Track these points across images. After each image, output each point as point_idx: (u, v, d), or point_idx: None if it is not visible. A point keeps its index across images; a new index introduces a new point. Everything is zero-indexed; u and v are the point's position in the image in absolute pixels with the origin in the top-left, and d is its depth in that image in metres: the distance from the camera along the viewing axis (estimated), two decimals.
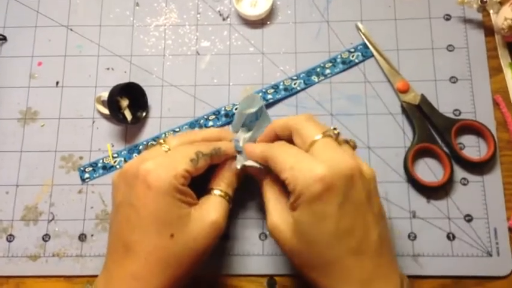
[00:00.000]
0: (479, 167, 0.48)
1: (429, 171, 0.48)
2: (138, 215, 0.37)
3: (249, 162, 0.42)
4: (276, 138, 0.42)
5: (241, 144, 0.44)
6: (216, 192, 0.41)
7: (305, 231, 0.36)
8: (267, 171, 0.41)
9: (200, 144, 0.41)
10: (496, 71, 0.50)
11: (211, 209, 0.39)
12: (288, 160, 0.37)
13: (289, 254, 0.38)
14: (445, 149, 0.48)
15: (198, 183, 0.41)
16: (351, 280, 0.35)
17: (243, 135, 0.45)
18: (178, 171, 0.37)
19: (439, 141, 0.48)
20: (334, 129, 0.38)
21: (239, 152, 0.44)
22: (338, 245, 0.35)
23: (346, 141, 0.40)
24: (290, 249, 0.37)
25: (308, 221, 0.35)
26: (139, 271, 0.36)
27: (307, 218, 0.35)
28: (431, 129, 0.48)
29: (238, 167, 0.43)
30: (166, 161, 0.38)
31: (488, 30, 0.51)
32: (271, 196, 0.41)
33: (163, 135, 0.50)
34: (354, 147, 0.40)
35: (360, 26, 0.52)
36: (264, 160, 0.40)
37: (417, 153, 0.48)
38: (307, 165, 0.35)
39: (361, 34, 0.52)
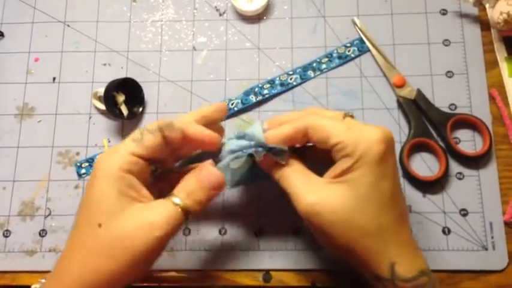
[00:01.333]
0: (475, 161, 0.47)
1: (425, 165, 0.48)
2: (82, 201, 0.36)
3: (275, 145, 0.38)
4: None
5: (229, 148, 0.40)
6: (175, 200, 0.36)
7: (364, 193, 0.35)
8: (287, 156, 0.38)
9: (152, 123, 0.38)
10: (492, 65, 0.50)
11: (155, 212, 0.35)
12: (337, 125, 0.36)
13: (335, 227, 0.35)
14: (441, 143, 0.47)
15: None
16: (400, 241, 0.36)
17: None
18: (121, 155, 0.36)
19: (435, 136, 0.48)
20: (349, 112, 0.39)
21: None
22: (393, 207, 0.36)
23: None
24: (340, 221, 0.35)
25: (370, 181, 0.35)
26: (67, 259, 0.35)
27: (368, 179, 0.35)
28: (427, 123, 0.48)
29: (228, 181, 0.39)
30: (114, 148, 0.37)
31: (484, 25, 0.51)
32: (299, 177, 0.38)
33: None
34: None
35: (356, 21, 0.52)
36: (303, 131, 0.38)
37: (413, 147, 0.48)
38: (364, 128, 0.36)
39: (358, 29, 0.52)
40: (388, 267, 0.35)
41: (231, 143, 0.40)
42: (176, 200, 0.36)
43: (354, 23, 0.52)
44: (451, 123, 0.47)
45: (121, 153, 0.36)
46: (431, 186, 0.47)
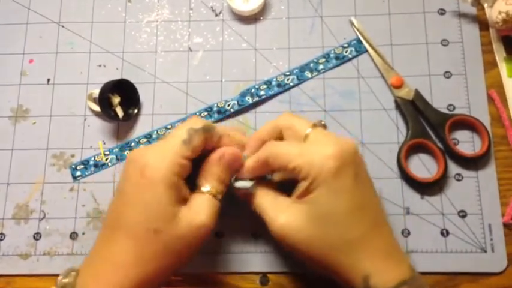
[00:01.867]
0: (474, 163, 0.47)
1: (423, 167, 0.47)
2: (128, 204, 0.36)
3: (239, 184, 0.41)
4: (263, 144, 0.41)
5: None
6: (205, 189, 0.39)
7: (325, 212, 0.36)
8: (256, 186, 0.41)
9: (191, 121, 0.39)
10: (490, 65, 0.49)
11: (201, 211, 0.37)
12: (292, 150, 0.37)
13: (305, 245, 0.36)
14: (439, 144, 0.47)
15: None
16: (373, 253, 0.36)
17: None
18: (173, 158, 0.36)
19: (433, 137, 0.47)
20: (321, 121, 0.40)
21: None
22: (359, 220, 0.36)
23: (324, 126, 0.42)
24: (306, 240, 0.36)
25: (327, 200, 0.35)
26: (119, 260, 0.35)
27: (326, 198, 0.35)
28: (425, 124, 0.47)
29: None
30: (160, 149, 0.37)
31: (483, 25, 0.51)
32: (268, 201, 0.40)
33: (155, 133, 0.49)
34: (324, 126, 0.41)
35: (354, 21, 0.51)
36: (264, 161, 0.39)
37: (411, 149, 0.47)
38: (316, 149, 0.36)
39: (355, 29, 0.51)
40: (361, 281, 0.35)
41: None
42: (210, 189, 0.39)
43: (351, 23, 0.52)
44: (450, 124, 0.47)
45: (173, 157, 0.36)
46: (430, 187, 0.46)
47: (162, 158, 0.36)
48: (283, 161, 0.37)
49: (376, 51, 0.50)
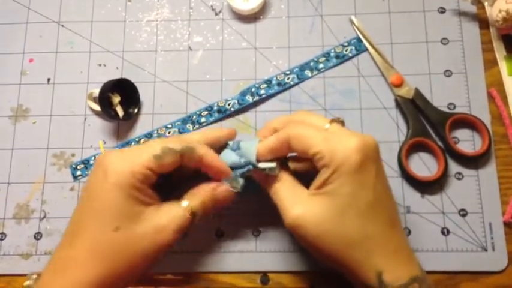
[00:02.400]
0: (474, 161, 0.47)
1: (423, 165, 0.47)
2: (90, 203, 0.36)
3: (263, 164, 0.39)
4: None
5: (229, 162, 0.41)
6: (183, 203, 0.38)
7: (345, 204, 0.35)
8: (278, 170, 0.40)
9: (172, 139, 0.39)
10: (491, 64, 0.49)
11: (165, 216, 0.37)
12: (317, 134, 0.36)
13: (319, 239, 0.36)
14: (440, 143, 0.47)
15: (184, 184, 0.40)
16: (387, 249, 0.35)
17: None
18: (138, 167, 0.36)
19: (434, 136, 0.47)
20: (338, 118, 0.39)
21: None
22: (376, 215, 0.36)
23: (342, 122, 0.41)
24: (322, 233, 0.35)
25: (348, 192, 0.35)
26: (79, 257, 0.35)
27: (347, 189, 0.35)
28: (425, 123, 0.47)
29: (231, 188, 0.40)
30: (129, 155, 0.37)
31: (483, 23, 0.50)
32: (286, 190, 0.39)
33: (155, 132, 0.49)
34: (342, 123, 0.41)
35: (354, 19, 0.51)
36: (285, 142, 0.38)
37: (411, 147, 0.47)
38: (340, 139, 0.36)
39: (355, 28, 0.51)
40: (375, 276, 0.35)
41: (224, 156, 0.41)
42: (186, 206, 0.38)
43: (351, 22, 0.51)
44: (450, 123, 0.46)
45: (137, 164, 0.36)
46: (430, 186, 0.46)
47: (126, 163, 0.36)
48: (306, 144, 0.36)
49: (376, 50, 0.50)
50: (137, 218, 0.36)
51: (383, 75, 0.49)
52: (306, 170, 0.40)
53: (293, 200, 0.38)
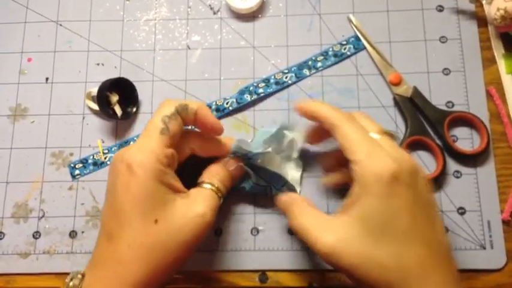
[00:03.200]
0: (473, 159, 0.46)
1: (422, 164, 0.46)
2: (122, 201, 0.35)
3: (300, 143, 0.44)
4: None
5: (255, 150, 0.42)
6: (207, 185, 0.39)
7: (378, 224, 0.33)
8: (297, 198, 0.40)
9: (164, 106, 0.38)
10: (489, 62, 0.49)
11: (200, 201, 0.37)
12: (364, 143, 0.35)
13: (357, 267, 0.33)
14: (438, 141, 0.46)
15: (189, 178, 0.40)
16: (427, 283, 0.33)
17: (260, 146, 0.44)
18: (157, 151, 0.36)
19: (432, 134, 0.47)
20: (391, 131, 0.39)
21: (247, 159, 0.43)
22: (416, 242, 0.33)
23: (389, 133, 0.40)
24: (359, 258, 0.33)
25: (380, 212, 0.33)
26: (123, 256, 0.34)
27: (379, 209, 0.33)
28: (423, 121, 0.47)
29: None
30: (143, 144, 0.36)
31: (481, 21, 0.50)
32: (310, 218, 0.37)
33: None
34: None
35: (352, 18, 0.51)
36: (327, 124, 0.37)
37: (410, 145, 0.46)
38: (382, 156, 0.34)
39: (353, 26, 0.51)
40: None
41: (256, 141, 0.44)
42: (211, 186, 0.39)
43: (350, 21, 0.51)
44: (448, 121, 0.46)
45: (155, 148, 0.36)
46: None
47: (146, 152, 0.35)
48: (349, 145, 0.36)
49: (374, 48, 0.50)
50: (172, 207, 0.36)
51: (381, 74, 0.49)
52: (338, 184, 0.41)
53: (321, 227, 0.35)
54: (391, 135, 0.38)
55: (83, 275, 0.36)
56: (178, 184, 0.38)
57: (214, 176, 0.40)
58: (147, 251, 0.34)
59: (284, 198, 0.41)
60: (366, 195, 0.34)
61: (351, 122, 0.37)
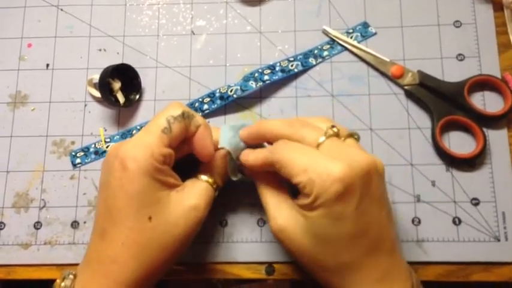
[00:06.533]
0: (499, 122, 0.43)
1: (463, 143, 0.43)
2: (115, 197, 0.33)
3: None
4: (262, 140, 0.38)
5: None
6: (203, 177, 0.37)
7: (321, 233, 0.32)
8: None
9: (172, 107, 0.36)
10: (505, 47, 0.45)
11: (193, 194, 0.35)
12: (300, 162, 0.32)
13: (298, 254, 0.34)
14: (467, 115, 0.43)
15: (186, 170, 0.37)
16: (367, 280, 0.32)
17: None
18: (154, 148, 0.33)
19: (459, 110, 0.43)
20: (332, 126, 0.34)
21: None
22: (355, 246, 0.32)
23: (350, 135, 0.35)
24: (300, 250, 0.34)
25: (325, 223, 0.32)
26: (117, 254, 0.32)
27: (325, 220, 0.32)
28: (444, 101, 0.43)
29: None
30: (141, 139, 0.34)
31: (497, 5, 0.46)
32: (272, 198, 0.36)
33: None
34: (358, 139, 0.36)
35: (328, 29, 0.47)
36: (269, 165, 0.35)
37: (443, 129, 0.43)
38: (323, 166, 0.31)
39: (332, 37, 0.47)
40: None
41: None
42: (207, 178, 0.37)
43: (326, 33, 0.47)
44: (468, 89, 0.43)
45: (152, 145, 0.33)
46: (471, 162, 0.43)
47: (141, 149, 0.33)
48: (288, 172, 0.33)
49: (363, 50, 0.46)
50: (165, 202, 0.34)
51: (381, 72, 0.46)
52: None
53: (278, 207, 0.35)
54: (335, 135, 0.34)
55: (75, 276, 0.34)
56: (174, 180, 0.35)
57: (211, 169, 0.38)
58: (141, 249, 0.33)
59: (251, 162, 0.37)
60: (314, 207, 0.32)
61: (285, 148, 0.34)
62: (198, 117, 0.37)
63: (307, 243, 0.33)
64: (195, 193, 0.36)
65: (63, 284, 0.33)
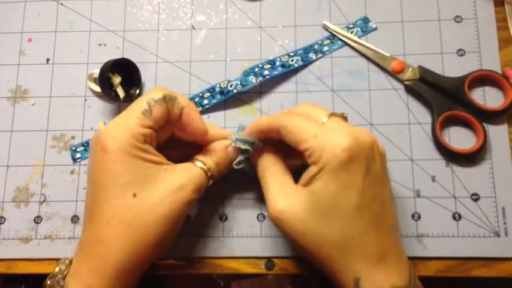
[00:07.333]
0: (499, 117, 0.43)
1: (462, 137, 0.43)
2: (99, 179, 0.33)
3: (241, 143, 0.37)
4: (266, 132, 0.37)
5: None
6: (198, 163, 0.37)
7: (327, 204, 0.32)
8: (267, 154, 0.37)
9: (155, 90, 0.35)
10: (505, 43, 0.45)
11: (183, 174, 0.35)
12: (309, 128, 0.33)
13: (300, 236, 0.33)
14: (468, 109, 0.42)
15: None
16: (368, 255, 0.32)
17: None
18: (133, 128, 0.33)
19: (459, 105, 0.43)
20: (342, 113, 0.36)
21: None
22: (360, 218, 0.32)
23: (342, 115, 0.36)
24: (303, 229, 0.33)
25: (333, 191, 0.32)
26: (103, 234, 0.32)
27: (332, 189, 0.32)
28: (444, 96, 0.43)
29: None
30: (120, 120, 0.34)
31: (498, 0, 0.46)
32: (274, 181, 0.36)
33: None
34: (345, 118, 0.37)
35: (329, 24, 0.46)
36: (275, 130, 0.35)
37: (443, 124, 0.43)
38: (333, 134, 0.32)
39: (332, 32, 0.46)
40: (352, 282, 0.32)
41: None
42: (202, 165, 0.36)
43: (326, 28, 0.46)
44: (468, 84, 0.42)
45: (131, 125, 0.33)
46: (471, 157, 0.42)
47: (120, 129, 0.33)
48: (297, 138, 0.33)
49: (363, 45, 0.45)
50: (152, 180, 0.33)
51: (381, 67, 0.45)
52: (299, 165, 0.37)
53: (279, 192, 0.35)
54: (340, 116, 0.35)
55: (70, 261, 0.34)
56: (159, 158, 0.35)
57: (208, 157, 0.38)
58: (127, 226, 0.32)
59: (258, 156, 0.38)
60: (321, 175, 0.32)
61: (292, 117, 0.34)
62: (181, 99, 0.36)
63: (311, 220, 0.32)
64: (185, 174, 0.35)
65: (57, 268, 0.34)
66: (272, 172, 0.37)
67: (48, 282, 0.34)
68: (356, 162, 0.31)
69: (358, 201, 0.32)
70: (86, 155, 0.45)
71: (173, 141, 0.39)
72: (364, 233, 0.32)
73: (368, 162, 0.32)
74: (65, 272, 0.34)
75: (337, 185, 0.32)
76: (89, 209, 0.35)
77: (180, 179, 0.34)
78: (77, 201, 0.44)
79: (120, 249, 0.32)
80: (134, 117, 0.34)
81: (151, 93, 0.35)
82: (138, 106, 0.34)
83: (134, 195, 0.33)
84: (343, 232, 0.32)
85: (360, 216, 0.32)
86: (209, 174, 0.37)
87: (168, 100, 0.35)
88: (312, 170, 0.33)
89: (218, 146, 0.38)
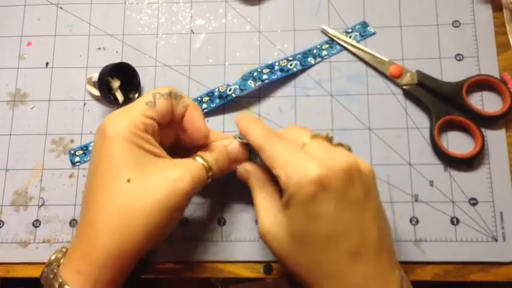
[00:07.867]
0: (497, 122, 0.43)
1: (460, 142, 0.43)
2: (97, 164, 0.33)
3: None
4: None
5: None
6: (198, 159, 0.36)
7: (298, 231, 0.32)
8: (256, 174, 0.37)
9: (162, 87, 0.36)
10: (503, 47, 0.45)
11: (181, 167, 0.34)
12: (282, 155, 0.32)
13: (283, 257, 0.33)
14: (466, 115, 0.42)
15: None
16: (346, 284, 0.31)
17: None
18: (135, 116, 0.33)
19: (457, 110, 0.43)
20: (327, 134, 0.35)
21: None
22: (333, 248, 0.31)
23: (341, 145, 0.35)
24: (284, 252, 0.33)
25: (301, 221, 0.31)
26: (95, 219, 0.32)
27: (300, 218, 0.31)
28: (443, 101, 0.43)
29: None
30: (124, 109, 0.34)
31: (496, 5, 0.46)
32: (262, 200, 0.36)
33: None
34: (348, 150, 0.35)
35: (327, 29, 0.46)
36: (257, 149, 0.35)
37: (441, 129, 0.43)
38: (302, 163, 0.31)
39: (331, 36, 0.46)
40: None
41: None
42: (202, 161, 0.36)
43: (324, 33, 0.46)
44: (466, 89, 0.42)
45: (134, 114, 0.34)
46: (476, 158, 0.42)
47: (121, 116, 0.34)
48: (271, 163, 0.33)
49: (361, 50, 0.45)
50: (150, 169, 0.33)
51: (380, 72, 0.45)
52: None
53: (266, 212, 0.35)
54: (324, 138, 0.34)
55: (67, 249, 0.34)
56: (160, 151, 0.35)
57: (209, 154, 0.37)
58: (118, 212, 0.32)
59: (241, 170, 0.38)
60: (292, 203, 0.32)
61: (272, 141, 0.34)
62: (187, 98, 0.36)
63: (289, 244, 0.32)
64: (183, 167, 0.34)
65: (53, 256, 0.34)
66: (260, 193, 0.36)
67: (44, 269, 0.34)
68: (327, 191, 0.30)
69: (329, 232, 0.31)
70: (85, 159, 0.45)
71: (178, 149, 0.39)
72: (339, 263, 0.31)
73: (342, 189, 0.30)
74: (61, 261, 0.34)
75: (305, 216, 0.31)
76: (85, 196, 0.35)
77: (178, 170, 0.34)
78: (75, 205, 0.44)
79: (110, 235, 0.32)
80: (137, 107, 0.34)
81: (158, 89, 0.36)
82: (144, 98, 0.35)
83: (128, 180, 0.32)
84: (315, 260, 0.32)
85: (334, 247, 0.31)
86: (208, 169, 0.36)
87: (173, 96, 0.35)
88: (284, 196, 0.32)
89: (218, 144, 0.38)
